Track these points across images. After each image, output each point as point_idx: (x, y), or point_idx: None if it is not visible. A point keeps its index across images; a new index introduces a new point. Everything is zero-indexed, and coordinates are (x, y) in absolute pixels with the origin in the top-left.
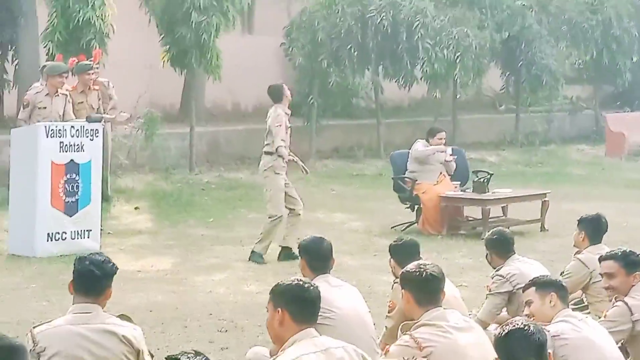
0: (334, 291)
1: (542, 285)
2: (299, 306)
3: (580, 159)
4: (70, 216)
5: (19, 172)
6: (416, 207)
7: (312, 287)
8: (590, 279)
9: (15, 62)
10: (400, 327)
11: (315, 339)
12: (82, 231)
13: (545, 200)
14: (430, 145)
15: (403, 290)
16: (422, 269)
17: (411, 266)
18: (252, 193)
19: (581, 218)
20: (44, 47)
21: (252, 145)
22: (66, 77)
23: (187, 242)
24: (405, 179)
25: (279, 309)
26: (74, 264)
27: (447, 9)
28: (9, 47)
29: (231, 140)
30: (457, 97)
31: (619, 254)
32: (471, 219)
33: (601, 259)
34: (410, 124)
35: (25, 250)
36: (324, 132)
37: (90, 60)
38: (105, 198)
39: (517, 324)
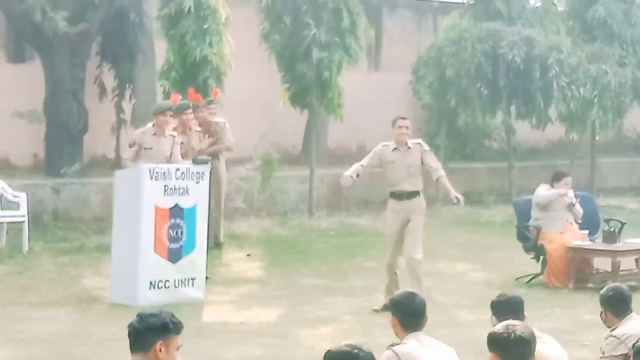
0: (426, 351)
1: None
2: None
3: None
4: (174, 263)
5: (122, 215)
6: (541, 257)
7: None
8: None
9: (133, 101)
10: None
11: None
12: (186, 279)
13: None
14: (557, 190)
15: (490, 353)
16: (510, 331)
17: (499, 327)
18: (372, 240)
19: (600, 295)
20: (160, 86)
21: (376, 189)
22: (171, 116)
23: (297, 293)
24: (530, 227)
25: None
26: None
27: (584, 44)
28: (127, 85)
29: (354, 184)
30: (596, 138)
31: None
32: (601, 271)
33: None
34: (545, 167)
35: (127, 298)
36: (452, 175)
37: (209, 99)
38: (217, 244)
39: None
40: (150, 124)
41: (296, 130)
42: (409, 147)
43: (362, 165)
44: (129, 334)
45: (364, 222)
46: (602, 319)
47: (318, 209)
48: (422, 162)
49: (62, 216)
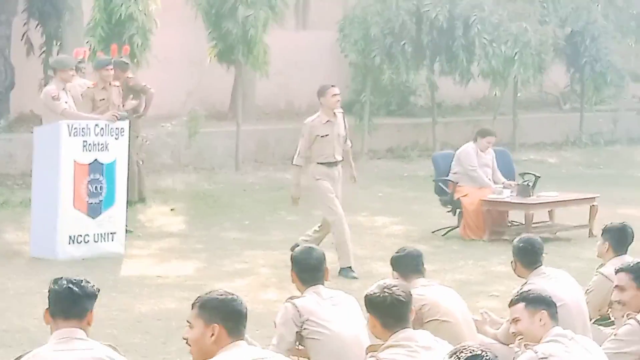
0: (325, 304)
1: (532, 301)
2: (235, 322)
3: None
4: (94, 218)
5: (41, 171)
6: (457, 211)
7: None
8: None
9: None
10: (366, 348)
11: (244, 349)
12: (106, 234)
13: (593, 205)
14: (478, 146)
15: (368, 314)
16: (386, 294)
17: (375, 289)
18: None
19: (605, 227)
20: (87, 43)
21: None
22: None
23: (217, 246)
24: (448, 181)
25: (214, 325)
26: (50, 286)
27: (506, 3)
28: (54, 42)
29: (281, 140)
30: (518, 95)
31: (633, 266)
32: (516, 223)
33: (617, 271)
34: (469, 123)
35: (47, 253)
36: (377, 131)
37: (122, 56)
38: (140, 199)
39: (474, 350)
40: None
41: (224, 87)
42: (337, 116)
43: (301, 158)
44: (61, 300)
45: (289, 177)
46: (512, 269)
47: (245, 164)
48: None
49: None
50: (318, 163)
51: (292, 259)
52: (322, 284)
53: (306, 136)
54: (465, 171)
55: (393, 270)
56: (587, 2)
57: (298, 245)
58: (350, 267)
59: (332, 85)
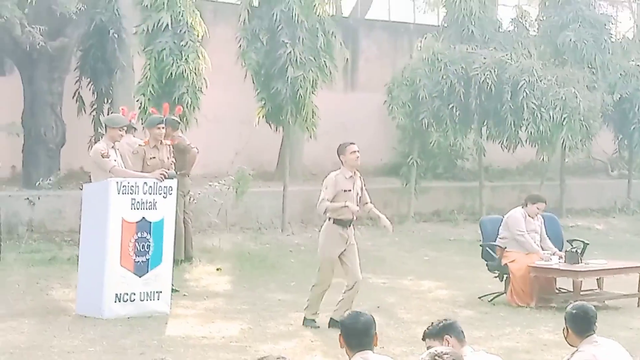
0: None
1: None
2: None
3: None
4: (140, 276)
5: (90, 229)
6: (505, 276)
7: None
8: None
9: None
10: None
11: None
12: (152, 292)
13: None
14: (527, 212)
15: None
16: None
17: (426, 357)
18: None
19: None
20: (137, 101)
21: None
22: (126, 130)
23: (262, 307)
24: (495, 246)
25: None
26: None
27: (554, 68)
28: (105, 100)
29: None
30: (565, 160)
31: None
32: (564, 291)
33: None
34: (516, 187)
35: (93, 311)
36: (424, 193)
37: (174, 115)
38: (187, 258)
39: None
40: (104, 139)
41: (272, 147)
42: (356, 174)
43: (325, 200)
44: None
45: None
46: (564, 336)
47: (291, 225)
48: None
49: (37, 228)
50: (334, 222)
51: (340, 323)
52: (371, 350)
53: (330, 189)
54: (512, 236)
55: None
56: (635, 69)
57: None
58: (314, 320)
59: (352, 143)
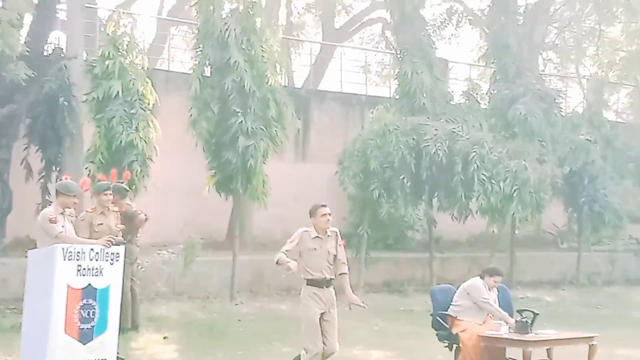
0: None
1: None
2: None
3: None
4: (85, 344)
5: (34, 295)
6: (454, 346)
7: None
8: None
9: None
10: None
11: None
12: None
13: (592, 345)
14: (485, 283)
15: None
16: None
17: None
18: (290, 327)
19: None
20: (86, 169)
21: (299, 276)
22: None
23: None
24: (446, 316)
25: None
26: None
27: (505, 141)
28: (54, 167)
29: (277, 271)
30: (516, 232)
31: None
32: None
33: None
34: (466, 259)
35: None
36: (374, 264)
37: (120, 182)
38: (134, 326)
39: None
40: (54, 204)
41: (222, 216)
42: (328, 235)
43: (284, 252)
44: None
45: (284, 308)
46: None
47: (240, 294)
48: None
49: None
50: (308, 284)
51: None
52: None
53: (294, 240)
54: (472, 305)
55: None
56: (585, 142)
57: None
58: None
59: (323, 205)
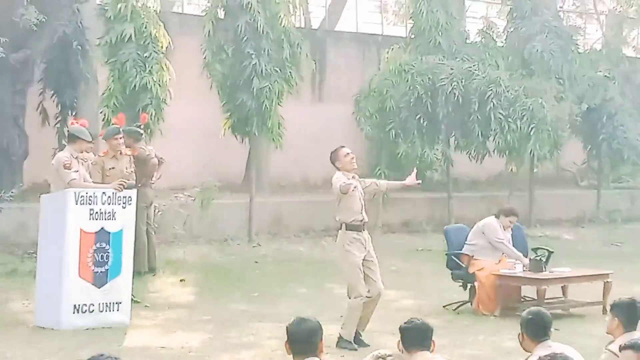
0: None
1: None
2: None
3: None
4: (99, 287)
5: (47, 240)
6: (469, 285)
7: None
8: None
9: None
10: None
11: None
12: (111, 303)
13: (607, 282)
14: (501, 222)
15: None
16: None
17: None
18: (307, 267)
19: (614, 303)
20: (101, 112)
21: (318, 217)
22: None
23: (224, 318)
24: (462, 254)
25: None
26: None
27: (521, 79)
28: (69, 112)
29: (295, 212)
30: (534, 171)
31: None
32: (529, 299)
33: (622, 348)
34: (485, 198)
35: (51, 322)
36: (392, 204)
37: (138, 125)
38: (150, 269)
39: None
40: (67, 148)
41: (239, 159)
42: (354, 177)
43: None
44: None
45: (302, 250)
46: (519, 341)
47: (258, 237)
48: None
49: None
50: (347, 228)
51: (286, 329)
52: (317, 357)
53: (342, 179)
54: (487, 244)
55: (400, 340)
56: (603, 79)
57: None
58: (350, 341)
59: (342, 146)
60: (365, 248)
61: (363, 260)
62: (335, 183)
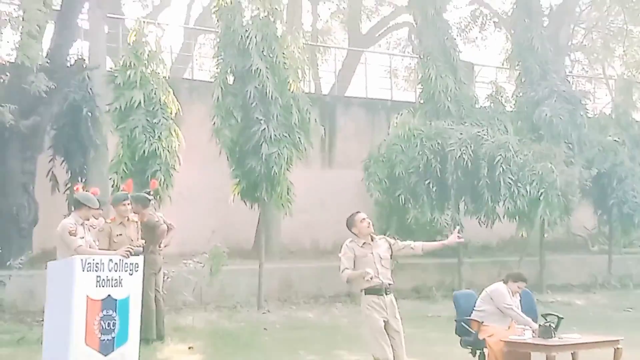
0: None
1: None
2: None
3: None
4: (106, 355)
5: (54, 307)
6: (478, 352)
7: None
8: None
9: None
10: None
11: None
12: None
13: (618, 348)
14: (509, 288)
15: None
16: None
17: None
18: (317, 334)
19: None
20: (110, 179)
21: (328, 283)
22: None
23: None
24: (472, 320)
25: None
26: None
27: (531, 144)
28: (80, 178)
29: (305, 278)
30: (545, 236)
31: None
32: None
33: None
34: (496, 263)
35: None
36: (402, 270)
37: (147, 191)
38: (159, 337)
39: None
40: (73, 215)
41: (249, 225)
42: (375, 241)
43: (346, 268)
44: None
45: (312, 316)
46: None
47: (268, 303)
48: (392, 254)
49: (8, 308)
50: (366, 293)
51: None
52: None
53: (346, 253)
54: (495, 310)
55: None
56: (613, 144)
57: None
58: None
59: (357, 212)
60: (386, 312)
61: (385, 325)
62: (341, 258)
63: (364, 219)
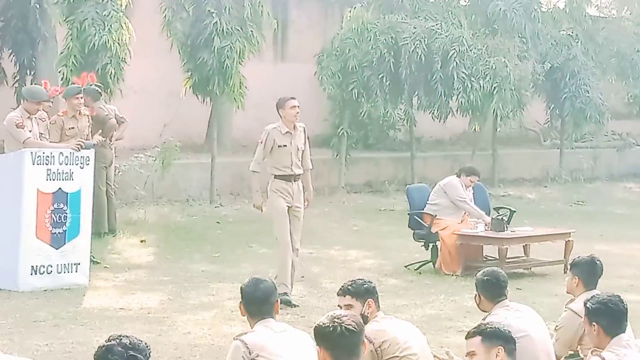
0: (276, 338)
1: (489, 336)
2: None
3: (626, 198)
4: (57, 248)
5: (4, 200)
6: (430, 245)
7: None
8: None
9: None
10: None
11: None
12: (70, 264)
13: (569, 240)
14: (462, 181)
15: (318, 347)
16: (336, 324)
17: (325, 320)
18: (269, 228)
19: (573, 261)
20: (59, 72)
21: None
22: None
23: (184, 279)
24: (424, 214)
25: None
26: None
27: (484, 38)
28: (28, 71)
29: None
30: (498, 130)
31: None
32: (491, 258)
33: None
34: (448, 157)
35: (8, 283)
36: (355, 164)
37: (93, 84)
38: (110, 230)
39: None
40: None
41: (201, 119)
42: (297, 129)
43: (258, 164)
44: None
45: (264, 210)
46: (476, 303)
47: (220, 197)
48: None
49: None
50: (276, 177)
51: (241, 290)
52: (273, 317)
53: (264, 142)
54: (449, 204)
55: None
56: (567, 38)
57: None
58: (286, 293)
59: (292, 97)
60: (292, 198)
61: (288, 211)
62: (259, 143)
63: (294, 106)
